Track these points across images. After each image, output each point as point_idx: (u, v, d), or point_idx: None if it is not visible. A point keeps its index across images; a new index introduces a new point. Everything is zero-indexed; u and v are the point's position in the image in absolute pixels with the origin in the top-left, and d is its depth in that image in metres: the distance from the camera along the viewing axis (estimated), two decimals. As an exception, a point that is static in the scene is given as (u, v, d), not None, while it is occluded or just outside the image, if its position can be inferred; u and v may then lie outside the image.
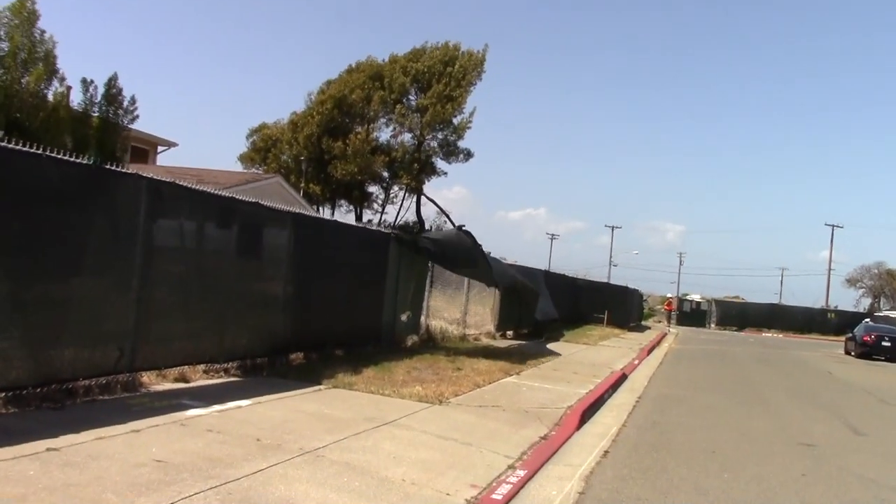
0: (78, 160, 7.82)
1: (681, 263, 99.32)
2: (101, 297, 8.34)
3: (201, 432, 7.42)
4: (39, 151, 7.33)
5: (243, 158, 51.23)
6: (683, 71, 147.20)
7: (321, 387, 10.83)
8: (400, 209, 57.39)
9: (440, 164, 54.41)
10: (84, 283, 8.11)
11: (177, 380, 9.83)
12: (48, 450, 6.15)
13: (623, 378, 17.21)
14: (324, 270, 13.18)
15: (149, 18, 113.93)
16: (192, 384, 9.84)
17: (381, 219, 55.11)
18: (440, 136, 51.78)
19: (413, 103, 50.60)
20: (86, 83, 21.36)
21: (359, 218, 52.22)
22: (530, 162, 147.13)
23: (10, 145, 7.02)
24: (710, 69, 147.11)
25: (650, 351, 26.86)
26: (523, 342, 23.48)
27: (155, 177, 9.02)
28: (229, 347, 10.75)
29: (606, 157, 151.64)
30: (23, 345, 7.40)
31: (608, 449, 9.54)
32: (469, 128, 52.04)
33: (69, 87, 22.30)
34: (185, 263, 9.71)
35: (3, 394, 7.21)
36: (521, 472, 7.71)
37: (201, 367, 10.32)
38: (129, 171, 8.59)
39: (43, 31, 20.47)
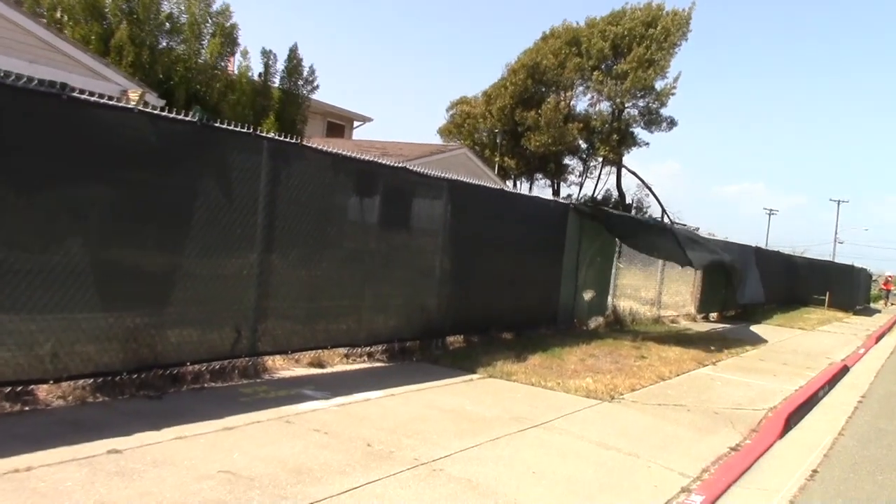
0: (179, 117, 6.91)
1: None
2: (213, 272, 7.42)
3: (306, 432, 6.30)
4: (131, 106, 6.46)
5: (442, 132, 50.88)
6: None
7: (474, 376, 9.53)
8: (597, 182, 55.18)
9: (642, 134, 51.68)
10: (192, 255, 7.20)
11: (311, 364, 8.88)
12: (109, 452, 5.22)
13: (844, 371, 14.63)
14: (487, 244, 11.84)
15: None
16: (326, 370, 8.86)
17: (579, 192, 53.20)
18: (641, 103, 48.99)
19: (612, 69, 47.99)
20: (266, 54, 21.28)
21: (556, 192, 50.56)
22: (749, 132, 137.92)
23: (92, 98, 6.15)
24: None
25: (879, 339, 23.36)
26: (728, 325, 21.09)
27: (276, 136, 8.01)
28: (373, 329, 9.67)
29: (833, 123, 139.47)
30: (117, 324, 6.59)
31: (817, 467, 7.54)
32: (673, 94, 48.95)
33: (267, 62, 22.20)
34: (317, 235, 8.65)
35: (93, 380, 6.43)
36: (698, 499, 6.01)
37: (342, 350, 9.33)
38: (245, 131, 7.59)
39: (228, 7, 20.50)
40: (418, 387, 8.53)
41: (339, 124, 36.66)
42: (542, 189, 51.68)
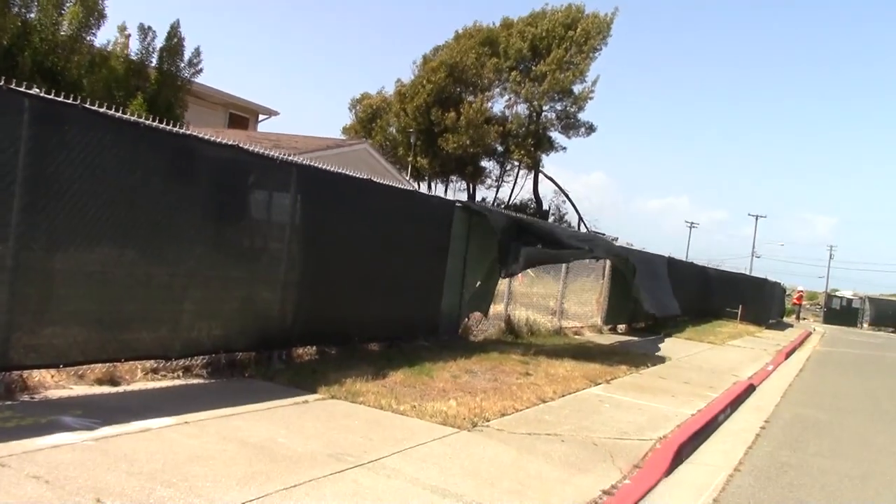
0: None
1: (831, 257, 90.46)
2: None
3: (19, 480, 4.64)
4: None
5: (347, 130, 49.12)
6: (840, 39, 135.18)
7: (311, 397, 7.95)
8: (514, 186, 54.21)
9: (560, 139, 50.78)
10: None
11: (100, 381, 7.18)
12: None
13: (750, 390, 13.50)
14: (352, 242, 10.27)
15: None
16: (117, 389, 7.16)
17: (495, 196, 52.10)
18: (559, 106, 48.12)
19: (530, 70, 46.94)
20: (144, 30, 19.23)
21: (472, 195, 49.27)
22: (672, 145, 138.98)
23: None
24: (870, 39, 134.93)
25: (789, 354, 22.57)
26: (634, 339, 19.96)
27: (42, 94, 6.29)
28: (192, 338, 7.99)
29: (754, 140, 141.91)
30: None
31: (705, 518, 6.22)
32: (591, 98, 48.42)
33: (146, 40, 20.16)
34: (112, 223, 6.95)
35: None
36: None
37: (149, 363, 7.65)
38: (-8, 83, 5.90)
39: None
40: (229, 411, 6.91)
41: (242, 116, 34.84)
42: (457, 192, 50.42)
